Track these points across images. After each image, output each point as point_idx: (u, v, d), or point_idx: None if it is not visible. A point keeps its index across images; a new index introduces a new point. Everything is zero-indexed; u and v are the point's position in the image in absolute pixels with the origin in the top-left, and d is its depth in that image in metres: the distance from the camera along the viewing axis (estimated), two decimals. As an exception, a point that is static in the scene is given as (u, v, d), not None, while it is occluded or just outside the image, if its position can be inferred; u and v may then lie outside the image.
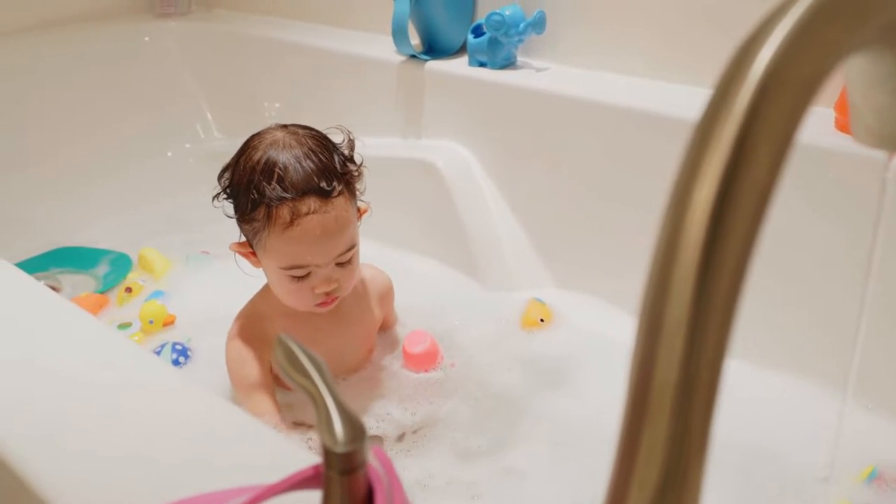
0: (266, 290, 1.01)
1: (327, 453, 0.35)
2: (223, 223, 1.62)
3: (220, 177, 0.97)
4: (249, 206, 0.91)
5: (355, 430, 0.36)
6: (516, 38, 1.30)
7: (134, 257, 1.42)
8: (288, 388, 1.02)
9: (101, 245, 1.47)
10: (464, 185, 1.33)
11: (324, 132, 0.97)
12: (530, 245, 1.32)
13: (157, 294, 1.30)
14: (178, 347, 1.13)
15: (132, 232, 1.51)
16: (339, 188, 0.91)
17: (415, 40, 1.44)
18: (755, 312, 1.06)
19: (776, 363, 1.07)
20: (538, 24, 1.29)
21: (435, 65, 1.39)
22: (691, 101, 1.06)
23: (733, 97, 0.26)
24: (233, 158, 0.96)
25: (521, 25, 1.28)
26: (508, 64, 1.34)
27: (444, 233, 1.34)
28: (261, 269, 0.98)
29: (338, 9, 1.65)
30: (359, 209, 0.97)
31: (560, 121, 1.25)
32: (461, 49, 1.42)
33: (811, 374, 1.05)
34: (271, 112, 1.67)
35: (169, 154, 1.72)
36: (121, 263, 1.41)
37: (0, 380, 0.57)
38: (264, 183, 0.89)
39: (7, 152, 1.50)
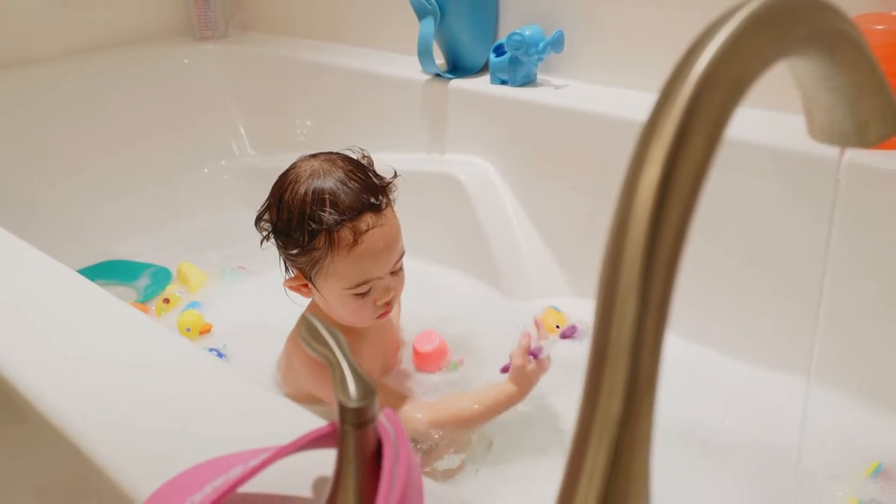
0: (312, 310, 1.03)
1: (342, 409, 0.41)
2: (256, 238, 1.69)
3: (259, 219, 0.98)
4: (307, 237, 0.92)
5: (367, 389, 0.41)
6: (536, 57, 1.35)
7: (173, 270, 1.48)
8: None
9: (141, 257, 1.54)
10: (486, 198, 1.39)
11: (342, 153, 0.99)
12: (549, 255, 1.36)
13: (194, 305, 1.35)
14: (214, 353, 1.19)
15: (171, 245, 1.58)
16: (385, 200, 0.95)
17: (439, 60, 1.50)
18: (759, 317, 1.11)
19: (784, 365, 1.11)
20: (557, 43, 1.34)
21: (458, 83, 1.45)
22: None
23: (675, 96, 0.31)
24: (271, 199, 0.96)
25: (541, 45, 1.34)
26: (529, 81, 1.39)
27: (467, 243, 1.39)
28: (310, 297, 1.01)
29: (366, 31, 1.72)
30: None
31: (578, 136, 1.29)
32: (483, 68, 1.47)
33: (825, 380, 1.08)
34: (303, 129, 1.74)
35: (205, 170, 1.79)
36: (161, 276, 1.48)
37: (64, 364, 0.64)
38: (319, 211, 0.91)
39: (55, 167, 1.58)
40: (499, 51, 1.40)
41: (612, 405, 0.31)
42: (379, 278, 0.95)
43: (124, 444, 0.54)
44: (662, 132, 0.31)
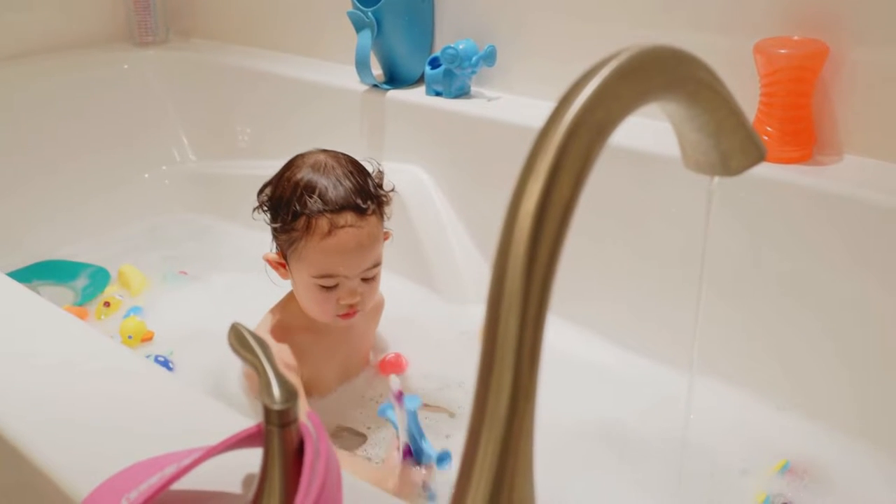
0: (285, 304, 1.09)
1: (267, 411, 0.45)
2: (197, 241, 1.69)
3: (260, 191, 1.05)
4: (290, 216, 0.99)
5: (289, 392, 0.45)
6: (469, 70, 1.41)
7: (113, 273, 1.49)
8: None
9: (81, 259, 1.54)
10: (422, 205, 1.43)
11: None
12: (482, 260, 1.42)
13: (135, 310, 1.36)
14: (161, 359, 1.19)
15: (112, 249, 1.59)
16: (372, 207, 1.01)
17: (377, 71, 1.54)
18: (683, 321, 1.18)
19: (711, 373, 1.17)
20: (489, 57, 1.40)
21: (395, 94, 1.49)
22: (633, 131, 1.17)
23: (549, 138, 0.36)
24: (275, 176, 1.05)
25: (474, 58, 1.39)
26: (462, 93, 1.44)
27: (404, 248, 1.43)
28: (286, 282, 1.06)
29: (306, 40, 1.75)
30: (384, 233, 1.06)
31: (509, 146, 1.34)
32: (419, 80, 1.52)
33: (737, 381, 1.15)
34: (243, 136, 1.76)
35: (146, 176, 1.80)
36: (99, 277, 1.48)
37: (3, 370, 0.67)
38: (306, 196, 0.98)
39: (-6, 173, 1.59)
40: (434, 63, 1.45)
41: (500, 404, 0.36)
42: (346, 277, 1.00)
43: (63, 445, 0.57)
44: (539, 169, 0.36)
